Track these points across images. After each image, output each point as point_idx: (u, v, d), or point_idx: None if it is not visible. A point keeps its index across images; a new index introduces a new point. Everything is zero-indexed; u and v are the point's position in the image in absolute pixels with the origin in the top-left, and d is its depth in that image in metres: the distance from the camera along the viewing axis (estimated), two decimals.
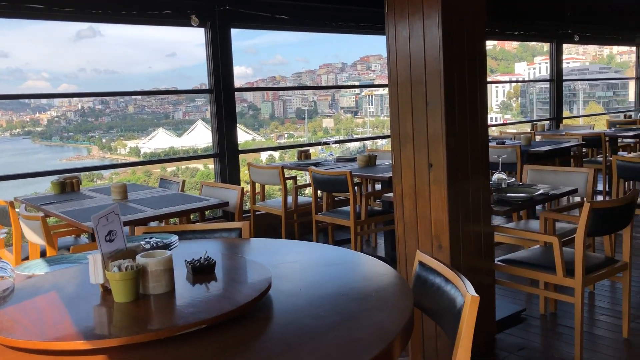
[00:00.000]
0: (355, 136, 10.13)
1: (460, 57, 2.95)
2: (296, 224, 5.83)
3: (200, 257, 1.94)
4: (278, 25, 5.98)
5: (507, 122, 9.99)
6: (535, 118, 10.81)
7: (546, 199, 3.41)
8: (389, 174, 4.15)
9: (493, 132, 8.28)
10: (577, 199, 4.61)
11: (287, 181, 5.77)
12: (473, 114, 3.04)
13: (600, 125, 9.58)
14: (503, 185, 3.65)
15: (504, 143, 6.41)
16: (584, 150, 7.23)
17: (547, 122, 8.89)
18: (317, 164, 5.49)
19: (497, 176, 3.70)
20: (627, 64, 13.03)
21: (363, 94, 10.38)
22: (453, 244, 2.98)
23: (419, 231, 3.08)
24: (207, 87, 5.59)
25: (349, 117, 10.68)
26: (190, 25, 5.28)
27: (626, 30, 9.85)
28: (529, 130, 8.60)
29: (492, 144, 6.02)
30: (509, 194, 3.38)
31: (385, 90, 3.24)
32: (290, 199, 5.39)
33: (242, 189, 3.87)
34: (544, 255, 3.33)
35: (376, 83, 9.21)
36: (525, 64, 12.69)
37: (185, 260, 1.93)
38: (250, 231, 2.70)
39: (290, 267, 2.12)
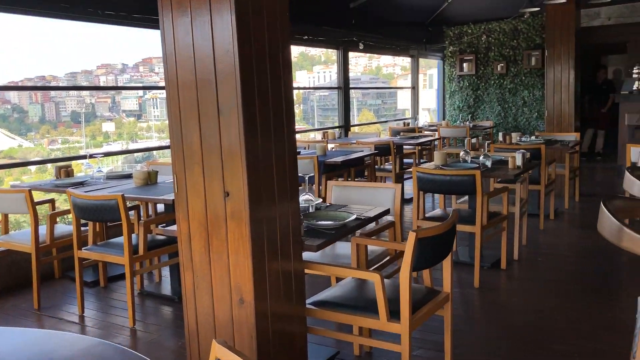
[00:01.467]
0: (139, 141, 9.11)
1: (261, 53, 2.28)
2: (56, 261, 4.62)
3: None
4: (20, 7, 4.66)
5: (301, 129, 9.82)
6: (316, 125, 10.98)
7: (360, 224, 2.93)
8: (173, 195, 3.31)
9: None
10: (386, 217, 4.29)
11: (42, 206, 4.54)
12: (279, 124, 2.40)
13: (374, 132, 9.98)
14: (311, 209, 3.09)
15: (299, 153, 6.00)
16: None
17: (337, 129, 8.83)
18: (81, 184, 4.39)
19: (304, 197, 3.13)
20: (392, 75, 14.36)
21: (147, 96, 9.42)
22: (258, 294, 2.30)
23: (214, 282, 2.33)
24: None
25: (132, 121, 9.64)
26: None
27: (403, 41, 10.35)
28: (318, 137, 8.44)
29: None
30: (319, 222, 2.82)
31: None
32: (44, 229, 4.19)
33: None
34: (360, 291, 2.84)
35: (160, 85, 8.32)
36: (306, 72, 12.94)
37: None
38: None
39: None
